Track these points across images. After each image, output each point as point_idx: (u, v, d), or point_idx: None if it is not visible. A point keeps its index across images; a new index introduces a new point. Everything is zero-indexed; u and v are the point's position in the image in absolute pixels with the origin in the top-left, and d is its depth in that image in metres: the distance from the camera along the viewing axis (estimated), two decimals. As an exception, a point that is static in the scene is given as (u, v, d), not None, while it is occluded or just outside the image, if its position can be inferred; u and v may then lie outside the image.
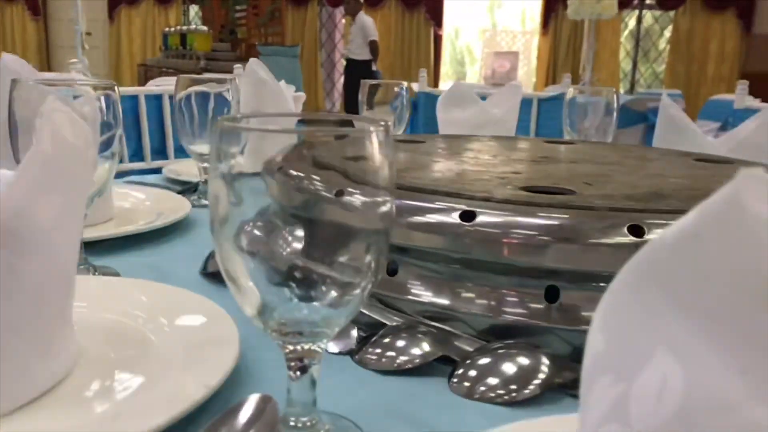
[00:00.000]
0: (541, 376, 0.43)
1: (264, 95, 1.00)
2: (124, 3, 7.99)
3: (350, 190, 0.32)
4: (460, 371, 0.44)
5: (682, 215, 0.51)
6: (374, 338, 0.47)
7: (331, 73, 8.43)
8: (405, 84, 1.09)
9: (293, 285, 0.32)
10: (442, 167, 0.63)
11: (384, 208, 0.32)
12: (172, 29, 6.91)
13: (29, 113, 0.57)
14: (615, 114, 1.09)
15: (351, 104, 6.20)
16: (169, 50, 6.73)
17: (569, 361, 0.44)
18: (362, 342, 0.47)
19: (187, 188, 0.94)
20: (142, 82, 6.18)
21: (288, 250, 0.32)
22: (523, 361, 0.43)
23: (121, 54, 8.09)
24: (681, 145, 0.95)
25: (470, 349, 0.46)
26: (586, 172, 0.63)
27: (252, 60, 1.01)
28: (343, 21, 8.06)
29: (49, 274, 0.38)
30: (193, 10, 8.34)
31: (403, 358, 0.45)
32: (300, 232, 0.32)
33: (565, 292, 0.45)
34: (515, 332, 0.46)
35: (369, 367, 0.45)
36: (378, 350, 0.47)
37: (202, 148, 0.90)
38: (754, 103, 2.35)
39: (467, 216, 0.46)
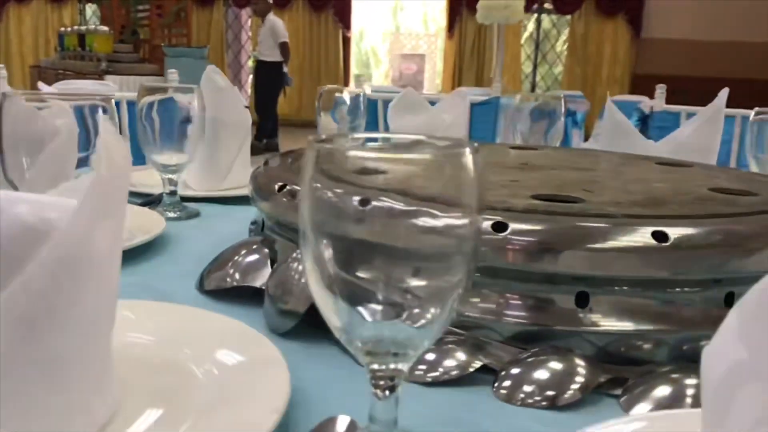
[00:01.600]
0: (579, 379, 0.45)
1: (223, 103, 0.98)
2: (13, 1, 7.53)
3: (434, 211, 0.32)
4: (505, 379, 0.45)
5: (689, 220, 0.53)
6: (406, 350, 0.48)
7: (239, 74, 8.28)
8: (362, 90, 1.09)
9: (377, 305, 0.32)
10: (437, 176, 0.63)
11: (471, 228, 0.32)
12: (69, 29, 6.55)
13: (17, 129, 0.54)
14: (562, 119, 1.14)
15: (261, 106, 6.10)
16: (65, 51, 6.38)
17: (601, 363, 0.46)
18: (395, 354, 0.47)
19: (149, 200, 0.90)
20: (36, 84, 5.82)
21: (370, 270, 0.32)
22: (564, 365, 0.45)
23: (10, 54, 7.62)
24: (626, 148, 1.01)
25: (506, 356, 0.47)
26: (575, 178, 0.66)
27: (210, 67, 0.98)
28: (250, 22, 7.94)
29: (101, 302, 0.36)
30: (90, 9, 7.96)
31: (441, 368, 0.46)
32: (381, 253, 0.32)
33: (594, 296, 0.47)
34: (545, 337, 0.48)
35: (409, 380, 0.46)
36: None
37: (166, 158, 0.87)
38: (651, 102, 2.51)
39: (499, 227, 0.47)
